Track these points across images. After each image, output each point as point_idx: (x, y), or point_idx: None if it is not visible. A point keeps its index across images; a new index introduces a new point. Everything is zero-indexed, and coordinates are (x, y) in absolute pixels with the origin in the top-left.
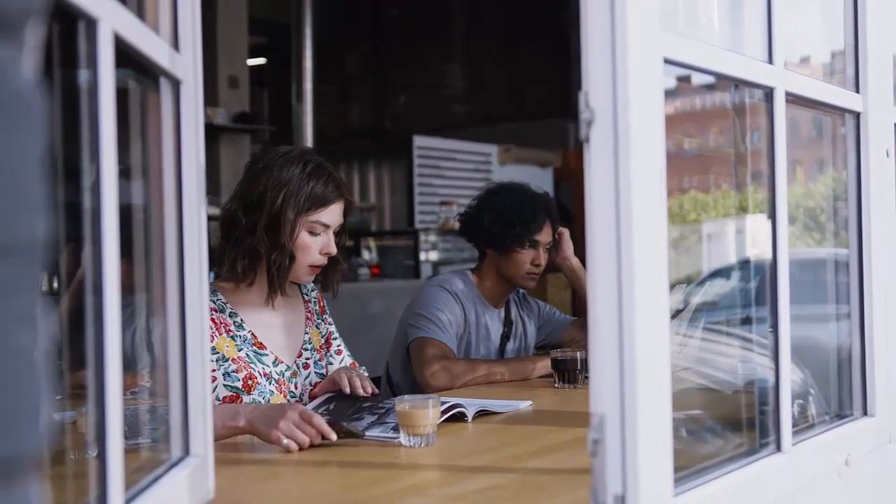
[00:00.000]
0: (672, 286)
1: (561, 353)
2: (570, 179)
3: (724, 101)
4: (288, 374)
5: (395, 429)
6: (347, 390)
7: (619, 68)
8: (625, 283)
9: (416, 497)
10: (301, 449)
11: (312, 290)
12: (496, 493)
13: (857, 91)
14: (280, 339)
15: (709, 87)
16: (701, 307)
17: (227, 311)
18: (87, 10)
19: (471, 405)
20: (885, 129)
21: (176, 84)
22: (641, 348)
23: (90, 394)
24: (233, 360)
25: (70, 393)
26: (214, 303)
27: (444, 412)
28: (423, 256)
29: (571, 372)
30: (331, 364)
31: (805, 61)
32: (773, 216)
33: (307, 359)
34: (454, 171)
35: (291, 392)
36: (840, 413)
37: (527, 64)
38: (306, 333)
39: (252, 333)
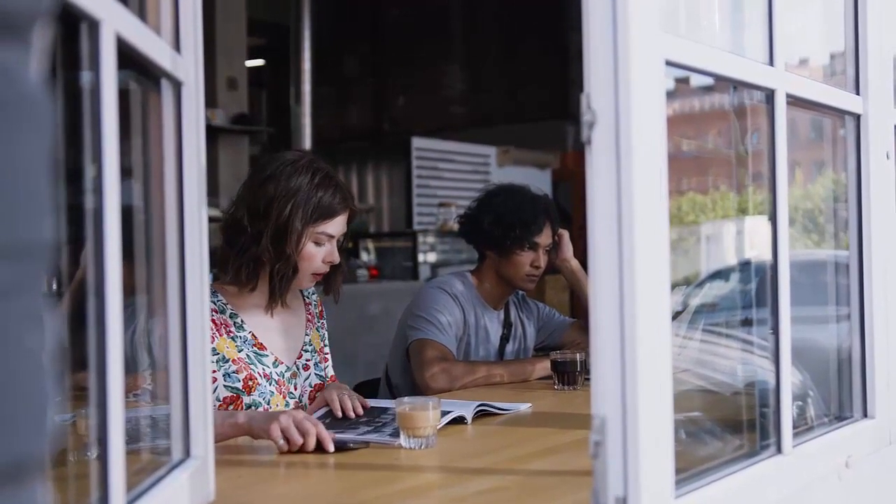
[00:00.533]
0: (671, 288)
1: (561, 354)
2: (569, 181)
3: (722, 102)
4: (288, 375)
5: (394, 434)
6: (339, 414)
7: (621, 70)
8: (626, 284)
9: (416, 499)
10: (297, 451)
11: (313, 293)
12: (497, 494)
13: (858, 93)
14: (280, 341)
15: (706, 89)
16: (700, 309)
17: (228, 311)
18: (90, 11)
19: (470, 406)
20: (885, 131)
21: (177, 85)
22: (643, 350)
23: (92, 395)
24: (233, 360)
25: (69, 394)
26: (215, 304)
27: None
28: (421, 258)
29: (571, 374)
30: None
31: (805, 63)
32: (773, 218)
33: (307, 360)
34: (453, 172)
35: (291, 393)
36: (840, 415)
37: (525, 65)
38: (307, 335)
39: (252, 334)
